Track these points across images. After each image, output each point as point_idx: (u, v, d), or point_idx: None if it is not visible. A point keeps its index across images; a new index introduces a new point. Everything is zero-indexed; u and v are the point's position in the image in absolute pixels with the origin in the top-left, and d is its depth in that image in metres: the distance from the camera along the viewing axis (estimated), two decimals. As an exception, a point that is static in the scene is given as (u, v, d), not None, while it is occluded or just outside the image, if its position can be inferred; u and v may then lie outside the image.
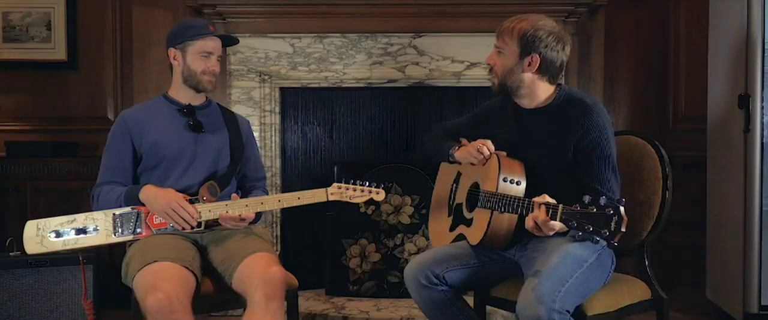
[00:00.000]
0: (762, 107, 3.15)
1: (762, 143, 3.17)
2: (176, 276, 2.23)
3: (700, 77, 3.79)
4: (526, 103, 2.35)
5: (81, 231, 2.41)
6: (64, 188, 3.68)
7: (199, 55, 2.57)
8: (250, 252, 2.36)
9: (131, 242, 2.45)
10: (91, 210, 2.48)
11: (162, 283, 2.19)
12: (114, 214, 2.43)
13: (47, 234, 2.40)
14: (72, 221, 2.42)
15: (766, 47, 3.13)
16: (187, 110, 2.61)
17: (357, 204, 2.55)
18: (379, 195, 2.50)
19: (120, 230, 2.42)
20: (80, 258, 2.42)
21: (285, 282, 2.31)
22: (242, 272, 2.32)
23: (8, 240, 3.04)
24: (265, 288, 2.25)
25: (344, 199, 2.48)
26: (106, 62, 3.95)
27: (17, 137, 3.90)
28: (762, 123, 3.16)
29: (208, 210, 2.44)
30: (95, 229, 2.41)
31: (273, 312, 2.25)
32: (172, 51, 2.60)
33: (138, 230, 2.43)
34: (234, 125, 2.69)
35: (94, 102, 3.97)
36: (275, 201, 2.48)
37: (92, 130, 3.89)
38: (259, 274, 2.27)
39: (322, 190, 2.47)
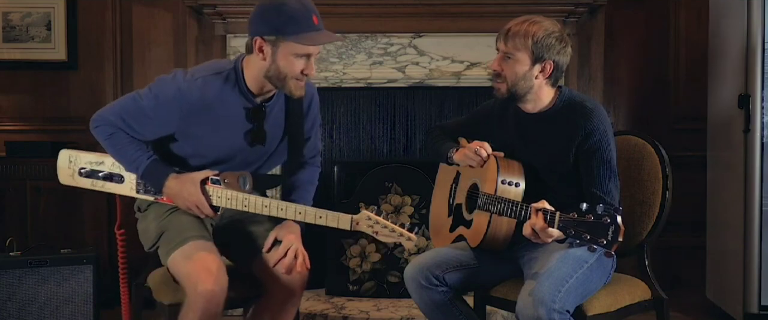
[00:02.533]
0: (762, 107, 3.15)
1: (762, 143, 3.16)
2: (222, 268, 2.16)
3: (700, 77, 3.79)
4: (529, 107, 2.31)
5: (108, 177, 2.34)
6: (64, 188, 3.66)
7: (295, 56, 2.11)
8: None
9: (150, 203, 2.34)
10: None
11: (217, 271, 2.12)
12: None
13: (77, 170, 2.36)
14: (101, 162, 2.34)
15: (766, 47, 3.13)
16: (256, 115, 2.23)
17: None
18: (410, 242, 2.18)
19: (142, 189, 2.32)
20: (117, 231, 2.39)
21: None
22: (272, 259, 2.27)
23: (8, 240, 3.04)
24: (290, 287, 2.27)
25: (368, 231, 2.17)
26: (106, 62, 3.95)
27: (17, 137, 3.90)
28: (762, 123, 3.16)
29: (227, 198, 2.22)
30: (121, 178, 2.33)
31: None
32: (258, 41, 2.12)
33: (159, 196, 2.31)
34: (298, 118, 2.31)
35: (94, 102, 3.96)
36: (295, 212, 2.21)
37: (92, 130, 3.88)
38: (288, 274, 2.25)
39: (348, 217, 2.16)
